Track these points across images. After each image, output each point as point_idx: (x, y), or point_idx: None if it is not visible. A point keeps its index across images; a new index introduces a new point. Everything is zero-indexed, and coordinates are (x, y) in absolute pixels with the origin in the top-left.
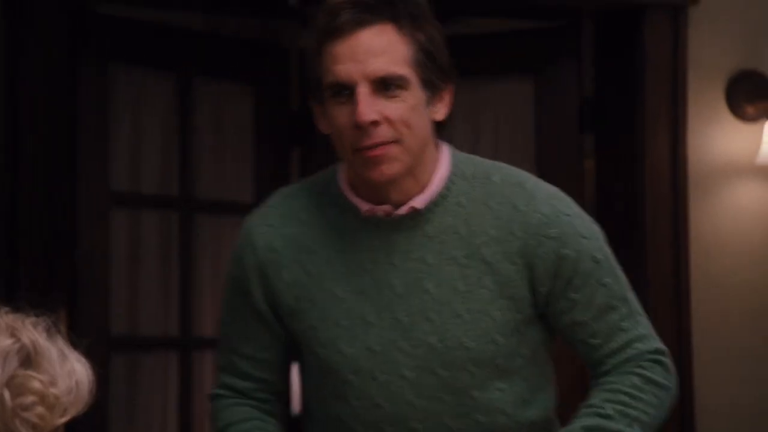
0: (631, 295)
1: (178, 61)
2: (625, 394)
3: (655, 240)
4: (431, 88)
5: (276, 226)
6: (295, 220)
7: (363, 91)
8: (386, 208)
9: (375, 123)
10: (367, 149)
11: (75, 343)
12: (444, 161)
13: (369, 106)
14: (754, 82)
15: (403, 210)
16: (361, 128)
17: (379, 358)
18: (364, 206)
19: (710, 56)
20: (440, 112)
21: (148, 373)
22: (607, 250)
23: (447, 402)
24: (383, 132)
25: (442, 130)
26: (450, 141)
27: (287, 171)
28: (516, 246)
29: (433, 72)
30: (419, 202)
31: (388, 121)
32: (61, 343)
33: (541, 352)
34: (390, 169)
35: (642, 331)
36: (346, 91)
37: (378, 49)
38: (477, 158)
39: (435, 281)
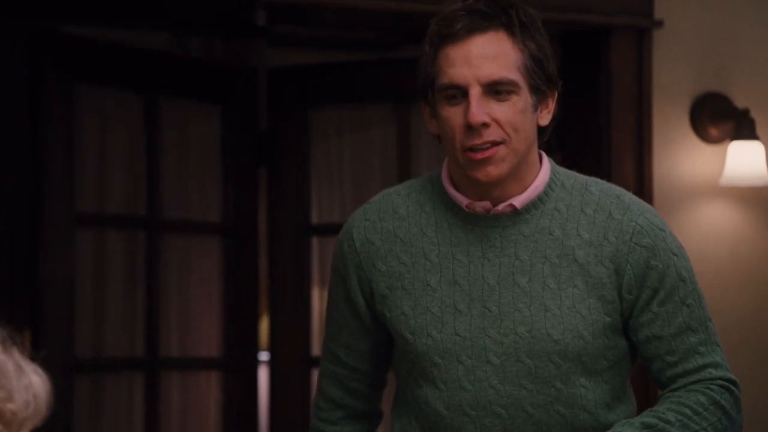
0: (712, 324)
1: (144, 82)
2: (690, 408)
3: None
4: (538, 93)
5: (373, 220)
6: (394, 215)
7: (475, 93)
8: (485, 204)
9: (485, 124)
10: (476, 149)
11: (34, 357)
12: (545, 168)
13: (480, 108)
14: (717, 103)
15: (501, 207)
16: (472, 128)
17: (467, 344)
18: (464, 201)
19: (674, 78)
20: (545, 117)
21: (113, 394)
22: (693, 274)
23: (530, 390)
24: (492, 133)
25: (544, 135)
26: (417, 161)
27: (255, 191)
28: (608, 250)
29: (541, 78)
30: (518, 201)
31: (497, 122)
32: (18, 356)
33: (624, 364)
34: (496, 170)
35: (718, 360)
36: (459, 92)
37: (490, 54)
38: (575, 172)
39: (527, 277)
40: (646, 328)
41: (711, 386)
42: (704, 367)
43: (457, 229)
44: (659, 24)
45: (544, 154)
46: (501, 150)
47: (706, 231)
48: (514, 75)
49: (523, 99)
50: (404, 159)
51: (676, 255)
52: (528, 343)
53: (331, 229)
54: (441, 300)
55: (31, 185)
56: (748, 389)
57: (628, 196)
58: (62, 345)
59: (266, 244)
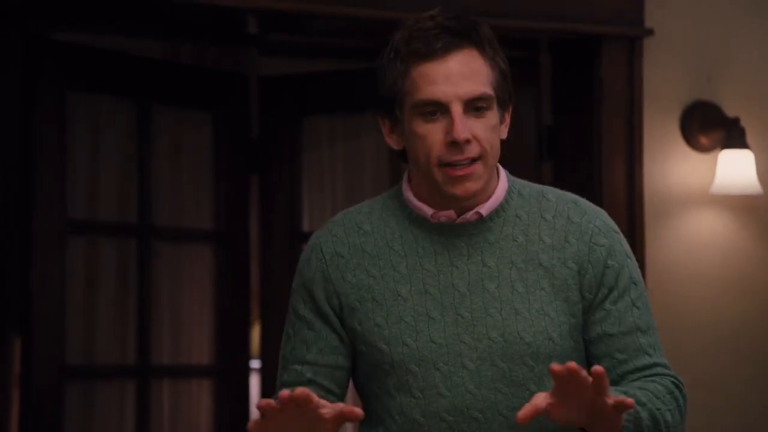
0: (657, 333)
1: (136, 89)
2: (650, 391)
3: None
4: (503, 107)
5: (340, 235)
6: (359, 231)
7: (457, 110)
8: (450, 213)
9: (468, 141)
10: (456, 165)
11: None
12: (503, 178)
13: (464, 125)
14: (707, 112)
15: (469, 216)
16: (456, 144)
17: (443, 350)
18: (429, 211)
19: (665, 86)
20: (504, 131)
21: (104, 401)
22: (642, 280)
23: (504, 393)
24: (472, 149)
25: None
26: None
27: (247, 198)
28: (570, 252)
29: (506, 93)
30: (484, 209)
31: (477, 139)
32: None
33: (587, 365)
34: (474, 186)
35: (666, 362)
36: (438, 109)
37: (468, 72)
38: (528, 182)
39: (495, 282)
40: (598, 325)
41: (665, 380)
42: (654, 365)
43: (423, 239)
44: (650, 32)
45: (500, 166)
46: (479, 166)
47: (696, 239)
48: (489, 91)
49: (494, 114)
50: (396, 167)
51: (629, 258)
52: (501, 347)
53: None
54: (413, 309)
55: (22, 192)
56: (741, 397)
57: (584, 201)
58: (53, 352)
59: (258, 252)
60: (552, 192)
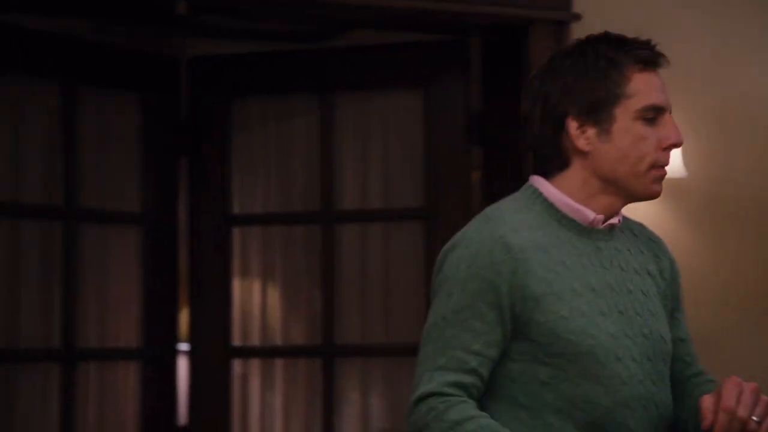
0: None
1: (62, 70)
2: None
3: None
4: None
5: (520, 231)
6: (530, 228)
7: (670, 116)
8: (599, 217)
9: (679, 145)
10: (663, 167)
11: None
12: None
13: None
14: None
15: (614, 221)
16: (669, 149)
17: (618, 343)
18: (591, 215)
19: None
20: None
21: (28, 385)
22: None
23: (658, 387)
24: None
25: None
26: (340, 153)
27: (175, 181)
28: (662, 265)
29: None
30: (619, 217)
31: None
32: None
33: None
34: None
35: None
36: (657, 115)
37: (665, 86)
38: None
39: (632, 284)
40: (673, 332)
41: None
42: (704, 371)
43: (575, 241)
44: (577, 17)
45: None
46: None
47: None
48: None
49: None
50: (327, 150)
51: (679, 273)
52: (651, 344)
53: (252, 220)
54: (588, 304)
55: None
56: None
57: (642, 223)
58: None
59: (186, 235)
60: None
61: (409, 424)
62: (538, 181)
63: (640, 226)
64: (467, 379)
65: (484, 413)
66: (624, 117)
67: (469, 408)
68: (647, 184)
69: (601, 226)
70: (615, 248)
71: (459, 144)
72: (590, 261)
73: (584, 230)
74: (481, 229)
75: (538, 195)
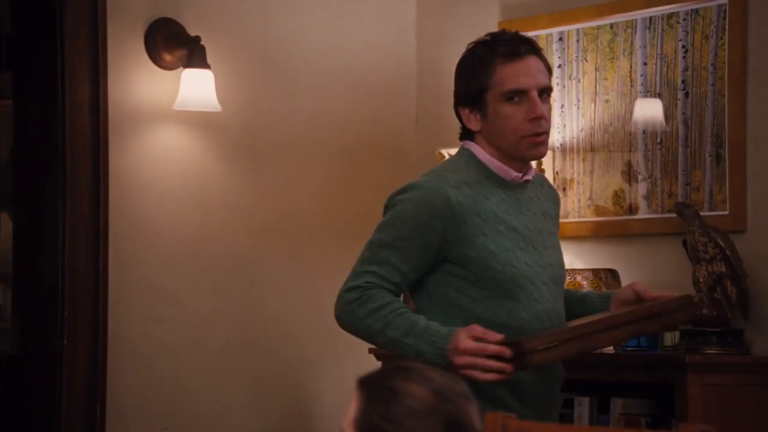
0: None
1: None
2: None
3: (74, 182)
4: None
5: (457, 187)
6: (465, 185)
7: (535, 95)
8: (519, 175)
9: (543, 117)
10: (537, 135)
11: None
12: None
13: (541, 105)
14: (170, 30)
15: (528, 177)
16: (537, 120)
17: (532, 270)
18: (514, 173)
19: (130, 3)
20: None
21: None
22: None
23: (560, 304)
24: (545, 124)
25: None
26: None
27: None
28: (555, 210)
29: (551, 87)
30: (531, 174)
31: (544, 117)
32: None
33: None
34: (544, 150)
35: None
36: (519, 96)
37: (539, 69)
38: None
39: (541, 226)
40: None
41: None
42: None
43: (501, 192)
44: None
45: None
46: (546, 136)
47: (160, 154)
48: (550, 83)
49: (550, 101)
50: None
51: None
52: (556, 271)
53: None
54: (510, 241)
55: None
56: (198, 308)
57: (538, 173)
58: None
59: None
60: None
61: (336, 308)
62: (472, 146)
63: (543, 178)
64: (388, 286)
65: (397, 299)
66: (494, 102)
67: (385, 296)
68: (524, 149)
69: (519, 181)
70: (529, 198)
71: None
72: (512, 208)
73: (507, 184)
74: (429, 181)
75: (471, 157)
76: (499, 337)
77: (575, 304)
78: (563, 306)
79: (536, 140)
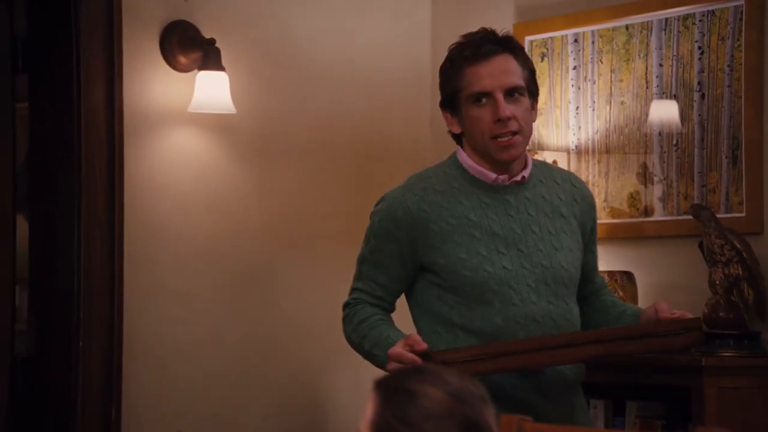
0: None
1: None
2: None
3: (89, 184)
4: (532, 97)
5: (421, 195)
6: (433, 191)
7: (500, 96)
8: (504, 177)
9: (509, 118)
10: (503, 137)
11: None
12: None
13: (505, 106)
14: (185, 32)
15: (517, 178)
16: (501, 121)
17: (512, 273)
18: (492, 176)
19: (144, 4)
20: (534, 116)
21: None
22: None
23: (554, 304)
24: (513, 125)
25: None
26: None
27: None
28: (577, 207)
29: (533, 86)
30: (525, 173)
31: (515, 117)
32: None
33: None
34: (516, 152)
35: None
36: (485, 98)
37: (506, 69)
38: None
39: (537, 227)
40: (585, 261)
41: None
42: (605, 285)
43: (483, 196)
44: None
45: None
46: (518, 138)
47: (175, 156)
48: (521, 82)
49: (526, 101)
50: None
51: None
52: (550, 272)
53: None
54: (486, 246)
55: None
56: (211, 309)
57: (567, 171)
58: None
59: None
60: (548, 164)
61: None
62: (458, 151)
63: (566, 174)
64: (372, 300)
65: (379, 313)
66: (464, 104)
67: (367, 310)
68: (495, 151)
69: (508, 183)
70: (526, 198)
71: (4, 72)
72: (496, 212)
73: (492, 187)
74: (395, 192)
75: (455, 161)
76: (422, 347)
77: (614, 318)
78: (567, 306)
79: (502, 142)
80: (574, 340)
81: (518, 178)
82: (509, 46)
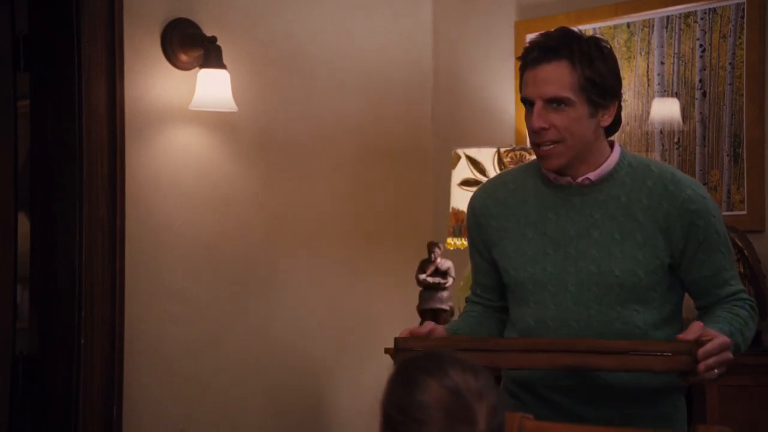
0: (733, 263)
1: None
2: (742, 317)
3: (91, 182)
4: (594, 104)
5: (489, 192)
6: (505, 187)
7: (538, 105)
8: (567, 179)
9: (543, 128)
10: (541, 146)
11: None
12: (615, 153)
13: (540, 117)
14: (187, 30)
15: (579, 180)
16: (535, 132)
17: (553, 276)
18: (551, 176)
19: (146, 4)
20: (606, 120)
21: None
22: (725, 229)
23: (595, 310)
24: (549, 134)
25: (612, 130)
26: None
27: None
28: (662, 212)
29: (595, 93)
30: (593, 176)
31: (555, 127)
32: None
33: (672, 295)
34: (555, 162)
35: (742, 288)
36: (530, 104)
37: (550, 78)
38: (643, 157)
39: (599, 230)
40: (696, 270)
41: (745, 305)
42: (737, 293)
43: (549, 196)
44: None
45: (616, 143)
46: (558, 147)
47: (176, 154)
48: (566, 93)
49: (578, 110)
50: None
51: (714, 216)
52: (597, 277)
53: None
54: (534, 247)
55: None
56: (213, 308)
57: (680, 174)
58: None
59: None
60: (657, 164)
61: None
62: None
63: (667, 176)
64: (476, 299)
65: (470, 309)
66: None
67: (467, 308)
68: (538, 158)
69: (575, 184)
70: (595, 200)
71: (5, 70)
72: (556, 212)
73: (561, 188)
74: (479, 186)
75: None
76: (404, 332)
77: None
78: (619, 313)
79: (541, 152)
80: (550, 346)
81: (580, 180)
82: (567, 51)
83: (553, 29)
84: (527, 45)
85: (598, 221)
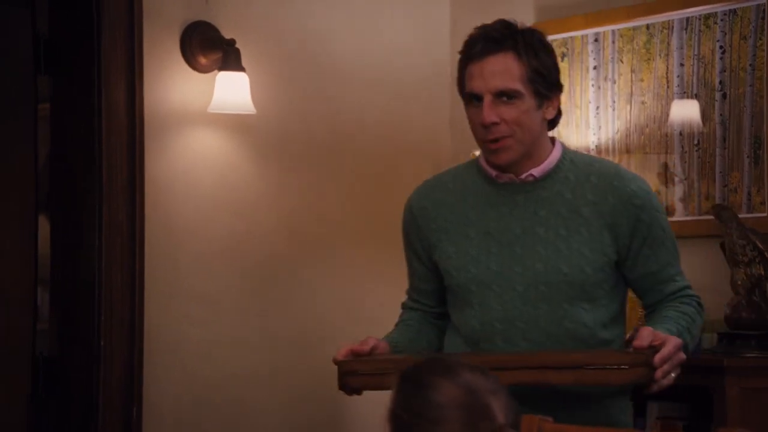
0: (678, 259)
1: None
2: (689, 314)
3: (110, 185)
4: (540, 96)
5: (426, 192)
6: (444, 187)
7: (487, 99)
8: (509, 176)
9: (494, 123)
10: (489, 142)
11: None
12: (557, 149)
13: (490, 111)
14: (206, 33)
15: (524, 177)
16: (485, 126)
17: (497, 276)
18: (493, 173)
19: (164, 5)
20: (550, 112)
21: None
22: (669, 225)
23: (544, 309)
24: (500, 129)
25: (553, 124)
26: None
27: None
28: (607, 207)
29: (542, 85)
30: (537, 172)
31: (505, 121)
32: None
33: (617, 292)
34: (505, 157)
35: (687, 284)
36: (477, 99)
37: (498, 70)
38: (583, 152)
39: (544, 228)
40: (641, 266)
41: (692, 301)
42: (682, 288)
43: (490, 194)
44: None
45: (556, 139)
46: (508, 141)
47: (196, 157)
48: (516, 85)
49: (526, 102)
50: None
51: (658, 212)
52: (544, 275)
53: None
54: (477, 246)
55: None
56: (233, 310)
57: (623, 169)
58: None
59: None
60: (599, 161)
61: None
62: None
63: (611, 171)
64: (411, 304)
65: (406, 317)
66: (465, 102)
67: (402, 314)
68: (486, 154)
69: (518, 181)
70: (539, 197)
71: (25, 72)
72: (499, 211)
73: (503, 186)
74: (415, 190)
75: (478, 158)
76: (345, 351)
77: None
78: (567, 311)
79: (491, 146)
80: (502, 363)
81: (524, 176)
82: (512, 42)
83: (491, 22)
84: (467, 38)
85: (543, 218)
